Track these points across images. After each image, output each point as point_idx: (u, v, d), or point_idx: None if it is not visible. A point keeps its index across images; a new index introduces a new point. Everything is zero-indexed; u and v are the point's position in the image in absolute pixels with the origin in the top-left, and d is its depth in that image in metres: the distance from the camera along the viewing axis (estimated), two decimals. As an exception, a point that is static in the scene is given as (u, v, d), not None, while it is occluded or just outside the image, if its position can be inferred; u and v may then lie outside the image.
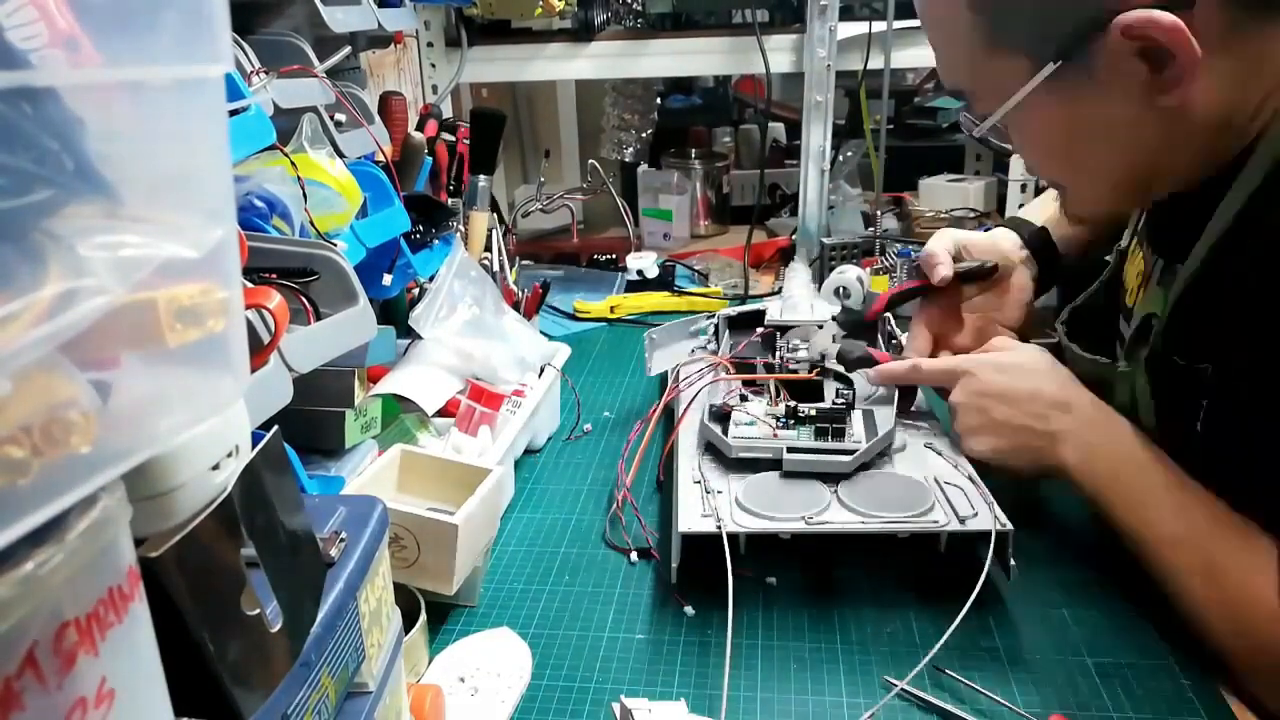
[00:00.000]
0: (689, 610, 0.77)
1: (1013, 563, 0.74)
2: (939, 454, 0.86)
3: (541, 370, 1.07)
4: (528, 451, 1.06)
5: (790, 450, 0.82)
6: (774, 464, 0.83)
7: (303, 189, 0.79)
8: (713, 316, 1.13)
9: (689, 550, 0.77)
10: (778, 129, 2.35)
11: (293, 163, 0.79)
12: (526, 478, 1.01)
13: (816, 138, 1.53)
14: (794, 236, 1.66)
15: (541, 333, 1.22)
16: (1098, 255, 1.00)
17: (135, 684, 0.32)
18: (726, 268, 1.67)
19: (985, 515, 0.75)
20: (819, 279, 1.58)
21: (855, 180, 1.88)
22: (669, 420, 1.02)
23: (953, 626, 0.68)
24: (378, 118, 1.07)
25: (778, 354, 1.02)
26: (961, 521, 0.75)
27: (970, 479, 0.81)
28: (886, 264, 1.42)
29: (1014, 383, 0.81)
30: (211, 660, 0.37)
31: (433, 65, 1.61)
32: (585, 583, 0.83)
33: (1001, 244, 1.02)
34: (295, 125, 0.87)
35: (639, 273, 1.61)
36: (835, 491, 0.79)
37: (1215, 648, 0.68)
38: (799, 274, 1.37)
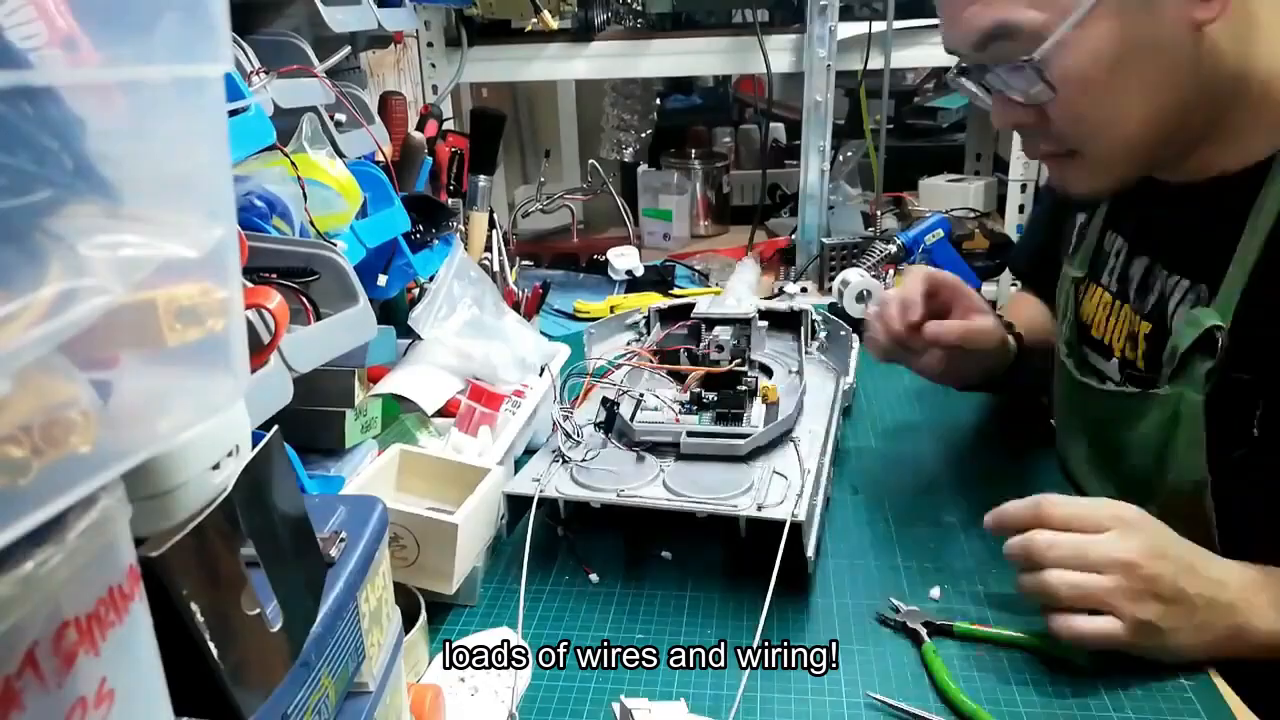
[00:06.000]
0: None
1: (810, 554, 0.75)
2: (796, 446, 0.88)
3: (542, 370, 1.07)
4: (528, 451, 1.06)
5: (689, 434, 0.86)
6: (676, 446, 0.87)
7: (303, 189, 0.79)
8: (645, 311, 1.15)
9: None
10: (778, 129, 2.35)
11: (293, 163, 0.79)
12: (526, 478, 1.01)
13: (816, 138, 1.53)
14: (794, 236, 1.66)
15: (541, 333, 1.22)
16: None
17: (135, 684, 0.32)
18: (726, 267, 1.67)
19: (786, 506, 0.77)
20: (819, 278, 1.59)
21: (855, 180, 1.88)
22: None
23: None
24: (378, 118, 1.07)
25: (701, 345, 1.03)
26: (759, 509, 0.77)
27: (805, 473, 0.82)
28: (875, 258, 1.42)
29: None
30: (211, 660, 0.37)
31: (433, 65, 1.61)
32: (585, 582, 0.83)
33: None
34: (295, 125, 0.87)
35: (628, 273, 1.60)
36: (662, 470, 0.83)
37: None
38: (745, 272, 1.37)
